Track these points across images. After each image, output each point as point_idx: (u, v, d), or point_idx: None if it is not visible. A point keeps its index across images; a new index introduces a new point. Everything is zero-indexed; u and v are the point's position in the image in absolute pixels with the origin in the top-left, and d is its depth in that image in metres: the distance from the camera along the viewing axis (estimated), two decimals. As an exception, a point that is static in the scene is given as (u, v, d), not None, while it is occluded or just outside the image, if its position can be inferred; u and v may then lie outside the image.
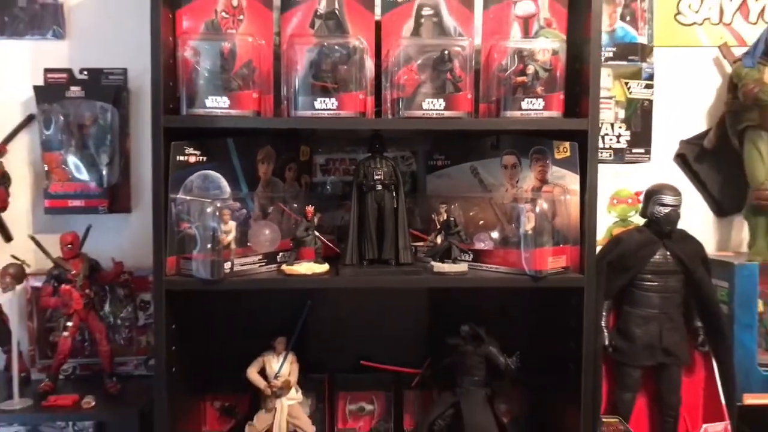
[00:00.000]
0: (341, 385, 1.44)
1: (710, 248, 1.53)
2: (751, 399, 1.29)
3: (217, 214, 1.17)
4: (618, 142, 1.45)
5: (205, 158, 1.18)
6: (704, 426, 1.20)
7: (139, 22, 1.30)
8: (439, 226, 1.25)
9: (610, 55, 1.45)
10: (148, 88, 1.36)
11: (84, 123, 1.45)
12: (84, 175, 1.43)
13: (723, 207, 1.51)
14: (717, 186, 1.50)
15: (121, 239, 1.47)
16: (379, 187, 1.20)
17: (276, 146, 1.31)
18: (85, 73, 1.46)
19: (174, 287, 1.13)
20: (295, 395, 1.37)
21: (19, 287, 1.34)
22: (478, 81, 1.20)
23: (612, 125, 1.45)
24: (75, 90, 1.44)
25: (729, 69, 1.46)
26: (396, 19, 1.21)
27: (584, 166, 1.17)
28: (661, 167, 1.48)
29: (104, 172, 1.44)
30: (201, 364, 1.34)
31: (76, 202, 1.44)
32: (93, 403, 1.32)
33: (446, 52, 1.17)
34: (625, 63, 1.45)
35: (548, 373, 1.33)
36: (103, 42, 1.45)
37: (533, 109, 1.15)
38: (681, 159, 1.51)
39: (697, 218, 1.52)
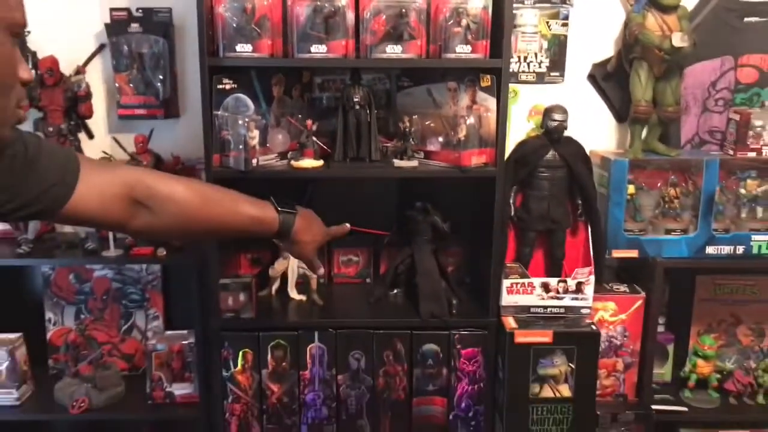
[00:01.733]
0: (335, 244, 1.95)
1: (612, 146, 2.04)
2: (617, 253, 1.83)
3: (245, 124, 1.70)
4: (540, 67, 1.91)
5: (235, 86, 1.66)
6: (576, 270, 1.78)
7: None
8: (402, 133, 1.77)
9: (538, -1, 1.90)
10: (188, 24, 1.88)
11: (142, 51, 1.90)
12: (145, 90, 1.94)
13: (621, 116, 1.98)
14: (618, 100, 1.96)
15: (174, 138, 1.97)
16: (357, 107, 1.68)
17: (285, 73, 1.80)
18: (140, 11, 1.93)
19: (218, 176, 1.66)
20: None
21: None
22: (429, 31, 1.66)
23: (536, 54, 1.92)
24: (134, 26, 1.91)
25: (627, 12, 1.90)
26: (370, -16, 1.65)
27: (499, 92, 1.65)
28: (572, 86, 1.93)
29: (159, 89, 1.94)
30: None
31: (140, 111, 1.91)
32: (165, 253, 1.91)
33: (404, 9, 1.62)
34: (548, 5, 1.89)
35: (475, 235, 1.88)
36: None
37: (464, 52, 1.62)
38: (592, 78, 1.98)
39: (603, 124, 2.00)
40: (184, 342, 1.92)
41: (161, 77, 1.91)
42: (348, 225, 1.44)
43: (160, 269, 2.04)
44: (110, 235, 1.83)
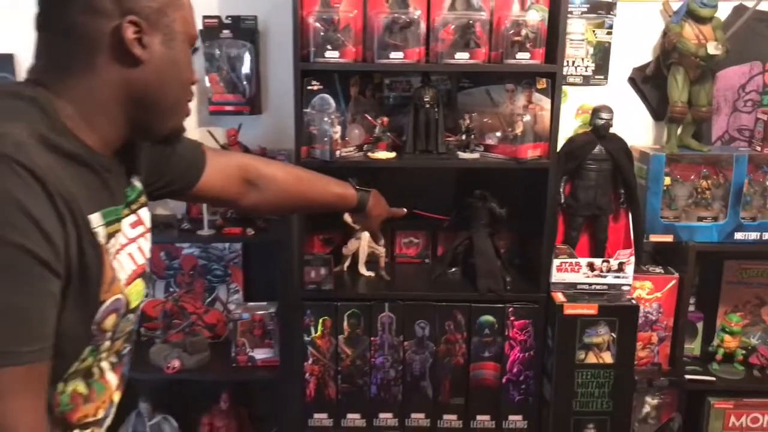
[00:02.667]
0: (399, 227, 2.18)
1: (649, 143, 2.25)
2: (654, 238, 2.03)
3: (330, 120, 1.94)
4: (586, 71, 2.14)
5: (321, 86, 1.91)
6: (618, 251, 2.00)
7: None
8: (464, 129, 2.00)
9: (585, 10, 2.10)
10: (273, 30, 2.12)
11: (231, 55, 2.18)
12: (233, 89, 2.19)
13: (658, 115, 2.19)
14: (655, 100, 2.17)
15: (257, 132, 2.21)
16: (427, 106, 1.91)
17: (360, 75, 2.04)
18: (229, 19, 2.17)
19: (306, 165, 1.88)
20: None
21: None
22: (491, 39, 1.89)
23: (583, 59, 2.14)
24: (225, 32, 2.15)
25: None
26: (440, -1, 1.88)
27: (554, 93, 1.87)
28: (614, 88, 2.14)
29: (246, 88, 2.20)
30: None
31: (229, 107, 2.16)
32: (253, 232, 2.12)
33: (470, 20, 1.85)
34: (595, 15, 2.11)
35: (527, 220, 2.10)
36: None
37: (523, 59, 1.85)
38: (632, 81, 2.19)
39: (641, 122, 2.20)
40: (264, 312, 2.17)
41: (247, 78, 2.16)
42: (404, 210, 1.65)
43: (241, 248, 2.28)
44: (204, 216, 2.08)
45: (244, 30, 2.14)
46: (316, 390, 2.06)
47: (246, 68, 2.15)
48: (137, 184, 1.04)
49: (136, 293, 0.98)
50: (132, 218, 0.99)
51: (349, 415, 2.07)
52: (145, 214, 1.04)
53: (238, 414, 2.30)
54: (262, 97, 2.21)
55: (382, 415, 2.07)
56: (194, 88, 1.00)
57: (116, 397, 1.03)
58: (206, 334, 2.29)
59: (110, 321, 0.92)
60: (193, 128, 2.21)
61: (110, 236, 0.91)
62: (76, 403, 0.92)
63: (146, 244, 1.03)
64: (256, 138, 2.17)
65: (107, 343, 0.94)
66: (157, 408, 2.27)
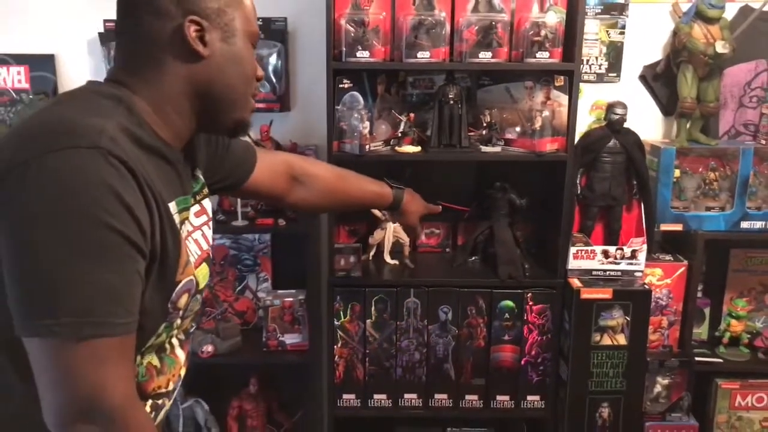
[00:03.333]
0: (422, 218, 2.36)
1: (659, 137, 2.36)
2: (665, 227, 2.14)
3: (359, 117, 2.05)
4: (600, 69, 2.25)
5: (351, 85, 2.02)
6: (631, 239, 2.11)
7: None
8: (485, 125, 2.11)
9: (599, 11, 2.21)
10: (302, 31, 2.23)
11: (262, 54, 2.29)
12: (266, 87, 2.29)
13: (668, 110, 2.31)
14: (665, 97, 2.28)
15: (286, 128, 2.30)
16: (451, 102, 2.03)
17: (386, 74, 2.15)
18: (260, 20, 2.27)
19: (337, 159, 2.00)
20: None
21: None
22: (512, 39, 1.99)
23: (597, 58, 2.25)
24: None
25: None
26: (464, 0, 1.97)
27: (571, 90, 1.99)
28: (626, 85, 2.24)
29: (276, 86, 2.30)
30: None
31: (260, 105, 2.27)
32: (285, 222, 2.22)
33: (492, 21, 1.96)
34: (608, 16, 2.22)
35: (545, 210, 2.20)
36: None
37: (543, 57, 1.95)
38: (643, 78, 2.30)
39: (652, 117, 2.30)
40: (293, 299, 2.28)
41: (278, 76, 2.27)
42: (440, 206, 1.77)
43: (269, 239, 2.40)
44: (238, 208, 2.19)
45: (274, 31, 2.24)
46: (344, 372, 2.17)
47: (276, 67, 2.26)
48: (200, 176, 1.15)
49: (202, 276, 1.09)
50: (197, 207, 1.10)
51: (376, 396, 2.19)
52: (207, 204, 1.15)
53: (267, 397, 2.41)
54: (291, 95, 2.32)
55: (407, 396, 2.18)
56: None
57: (183, 371, 1.14)
58: (236, 321, 2.40)
59: (183, 300, 1.02)
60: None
61: (181, 223, 1.02)
62: (151, 374, 1.03)
63: (209, 232, 1.14)
64: (286, 133, 2.28)
65: (178, 321, 1.05)
66: (189, 392, 2.38)
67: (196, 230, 1.09)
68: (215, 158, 1.24)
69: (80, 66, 2.28)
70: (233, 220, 2.18)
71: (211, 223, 1.15)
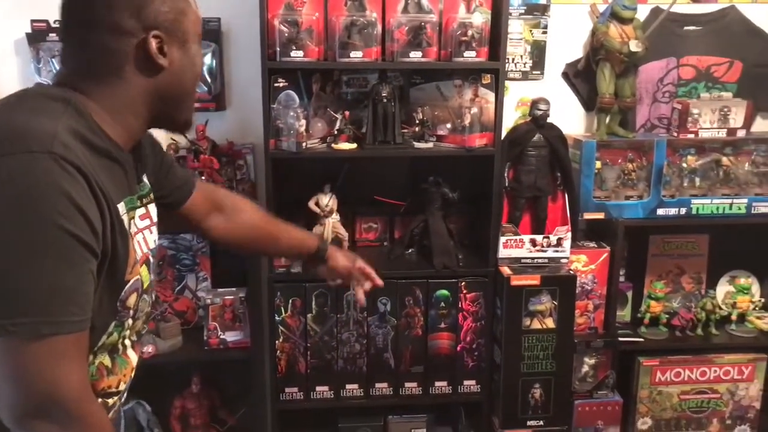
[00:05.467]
0: (360, 213, 2.34)
1: (580, 131, 2.50)
2: (588, 215, 2.25)
3: (295, 115, 2.09)
4: (524, 67, 2.36)
5: (286, 84, 2.06)
6: (556, 228, 2.23)
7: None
8: (418, 122, 2.19)
9: (523, 11, 2.32)
10: (235, 31, 2.25)
11: (197, 54, 2.30)
12: (202, 87, 2.28)
13: (589, 106, 2.43)
14: (586, 93, 2.40)
15: (222, 127, 2.31)
16: (384, 100, 2.08)
17: (321, 73, 2.20)
18: (193, 20, 2.29)
19: (274, 156, 2.04)
20: (335, 216, 2.28)
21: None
22: (441, 39, 2.07)
23: (521, 56, 2.36)
24: (190, 33, 2.28)
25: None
26: (394, 2, 2.04)
27: (497, 87, 2.08)
28: (550, 82, 2.36)
29: (212, 85, 2.31)
30: (280, 201, 2.24)
31: (197, 105, 2.26)
32: None
33: (422, 22, 2.03)
34: (531, 17, 2.33)
35: (476, 202, 2.28)
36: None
37: (470, 57, 2.04)
38: (565, 76, 2.43)
39: (574, 112, 2.42)
40: (233, 297, 2.30)
41: (213, 76, 2.28)
42: (381, 282, 1.68)
43: (208, 238, 2.41)
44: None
45: (208, 31, 2.25)
46: (286, 366, 2.22)
47: (211, 67, 2.27)
48: (147, 182, 1.18)
49: (144, 276, 1.12)
50: (142, 210, 1.13)
51: (318, 388, 2.24)
52: (153, 209, 1.17)
53: (209, 395, 2.43)
54: (226, 94, 2.34)
55: (348, 386, 2.24)
56: None
57: (133, 373, 1.17)
58: (176, 321, 2.40)
59: (132, 299, 1.06)
60: (160, 124, 2.32)
61: (129, 223, 1.05)
62: (101, 374, 1.05)
63: (150, 236, 1.15)
64: (222, 133, 2.29)
65: (129, 321, 1.08)
66: (130, 393, 2.34)
67: (139, 232, 1.11)
68: (160, 171, 1.27)
69: (8, 66, 2.24)
70: (171, 219, 2.18)
71: (154, 228, 1.18)
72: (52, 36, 2.19)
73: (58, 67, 2.11)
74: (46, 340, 0.83)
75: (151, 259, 1.15)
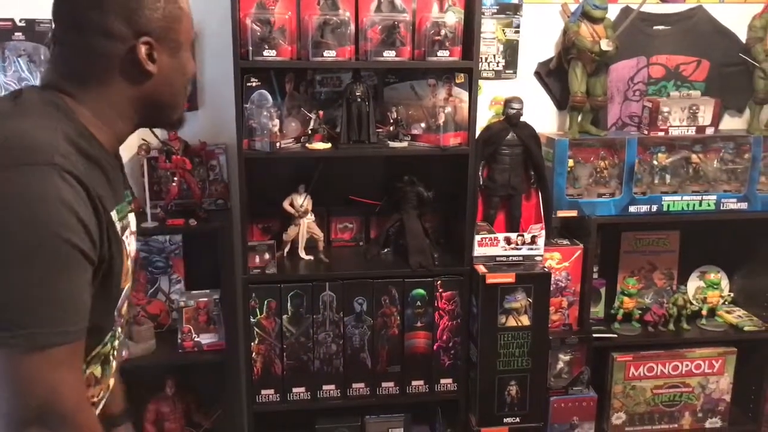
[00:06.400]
0: (335, 213, 2.34)
1: (553, 129, 2.52)
2: (561, 213, 2.28)
3: (269, 115, 2.07)
4: (497, 66, 2.37)
5: (259, 83, 2.05)
6: (530, 226, 2.25)
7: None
8: (392, 121, 2.19)
9: (495, 11, 2.33)
10: (207, 30, 2.24)
11: (167, 54, 2.27)
12: (171, 87, 2.28)
13: (561, 104, 2.45)
14: (558, 92, 2.42)
15: (195, 127, 2.29)
16: (359, 100, 2.08)
17: (295, 72, 2.18)
18: (164, 19, 2.26)
19: (247, 156, 2.02)
20: (310, 217, 2.28)
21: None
22: (414, 38, 2.07)
23: (494, 56, 2.37)
24: (161, 32, 2.25)
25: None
26: (367, 1, 2.03)
27: (471, 86, 2.10)
28: (523, 81, 2.38)
29: (183, 86, 2.29)
30: (254, 202, 2.21)
31: (168, 105, 2.29)
32: (196, 222, 2.20)
33: (395, 21, 2.03)
34: (503, 16, 2.35)
35: (451, 201, 2.28)
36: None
37: (443, 56, 2.04)
38: (537, 75, 2.45)
39: (546, 111, 2.44)
40: (207, 299, 2.28)
41: (184, 75, 2.25)
42: None
43: (181, 239, 2.37)
44: (147, 209, 2.17)
45: (180, 30, 2.22)
46: (262, 368, 2.20)
47: (182, 66, 2.24)
48: (128, 192, 1.17)
49: (131, 282, 1.11)
50: (127, 219, 1.11)
51: (295, 390, 2.23)
52: (132, 218, 1.16)
53: (184, 399, 2.40)
54: (198, 94, 2.31)
55: (325, 387, 2.24)
56: None
57: (112, 382, 1.15)
58: (150, 324, 2.36)
59: (125, 308, 1.07)
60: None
61: (122, 231, 1.04)
62: (89, 384, 1.05)
63: (134, 243, 1.15)
64: (195, 133, 2.27)
65: (119, 330, 1.09)
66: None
67: (127, 238, 1.10)
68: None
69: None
70: (143, 221, 2.15)
71: (134, 237, 1.17)
72: (18, 35, 2.14)
73: (43, 67, 2.11)
74: (44, 350, 0.84)
75: (131, 265, 1.15)
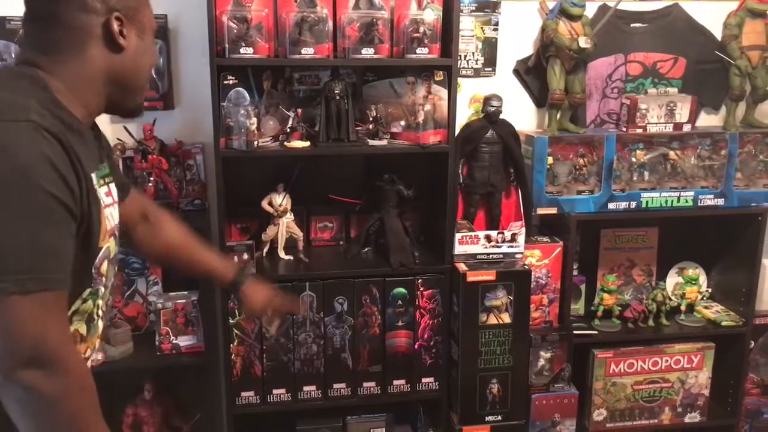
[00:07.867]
0: (314, 212, 2.32)
1: (532, 127, 2.52)
2: (541, 210, 2.28)
3: (246, 113, 2.05)
4: (476, 63, 2.37)
5: (236, 81, 2.02)
6: (510, 224, 2.25)
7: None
8: (371, 119, 2.17)
9: (474, 8, 2.33)
10: (183, 28, 2.20)
11: (142, 52, 2.24)
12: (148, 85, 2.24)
13: (540, 102, 2.46)
14: (537, 89, 2.43)
15: (171, 126, 2.26)
16: (337, 97, 2.07)
17: (272, 70, 2.16)
18: (138, 17, 2.22)
19: (225, 155, 2.00)
20: (289, 216, 2.27)
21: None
22: (393, 36, 2.06)
23: (473, 53, 2.37)
24: (135, 30, 2.22)
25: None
26: (345, -2, 2.03)
27: (450, 84, 2.09)
28: (502, 79, 2.38)
29: (159, 84, 2.25)
30: (232, 201, 2.16)
31: (145, 103, 2.25)
32: None
33: (373, 19, 2.02)
34: (482, 13, 2.35)
35: (431, 199, 2.28)
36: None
37: (422, 53, 2.03)
38: (516, 72, 2.45)
39: (525, 109, 2.45)
40: (185, 300, 2.25)
41: (160, 75, 2.22)
42: (299, 308, 1.89)
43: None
44: (123, 210, 2.14)
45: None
46: (242, 370, 2.17)
47: (158, 65, 2.21)
48: (106, 165, 1.20)
49: (113, 246, 1.16)
50: (105, 189, 1.16)
51: (275, 391, 2.20)
52: (113, 188, 1.20)
53: (162, 402, 2.36)
54: (174, 93, 2.28)
55: (306, 388, 2.21)
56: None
57: (98, 343, 1.20)
58: (127, 326, 2.33)
59: (105, 266, 1.12)
60: (107, 124, 2.24)
61: (100, 194, 1.10)
62: (75, 340, 1.09)
63: (115, 213, 1.19)
64: (171, 132, 2.24)
65: (102, 289, 1.13)
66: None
67: (106, 207, 1.14)
68: (110, 162, 1.26)
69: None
70: (119, 222, 2.12)
71: (116, 206, 1.20)
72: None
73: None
74: (32, 295, 0.90)
75: (117, 234, 1.19)
